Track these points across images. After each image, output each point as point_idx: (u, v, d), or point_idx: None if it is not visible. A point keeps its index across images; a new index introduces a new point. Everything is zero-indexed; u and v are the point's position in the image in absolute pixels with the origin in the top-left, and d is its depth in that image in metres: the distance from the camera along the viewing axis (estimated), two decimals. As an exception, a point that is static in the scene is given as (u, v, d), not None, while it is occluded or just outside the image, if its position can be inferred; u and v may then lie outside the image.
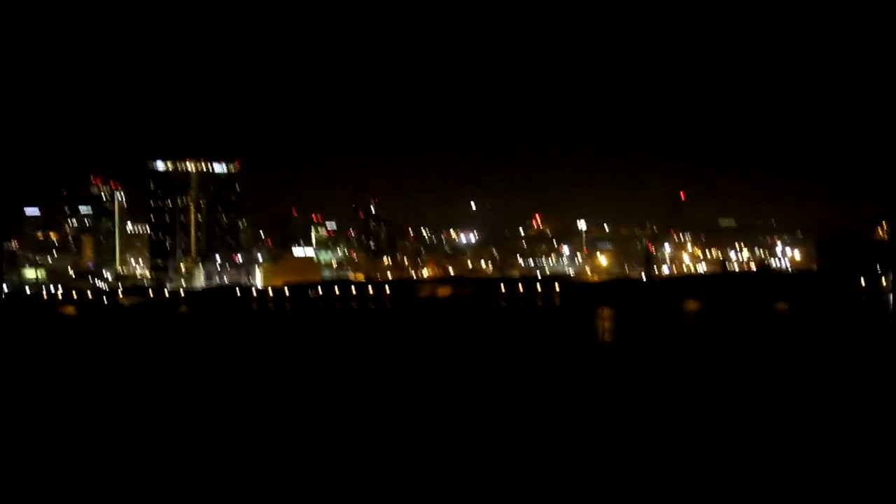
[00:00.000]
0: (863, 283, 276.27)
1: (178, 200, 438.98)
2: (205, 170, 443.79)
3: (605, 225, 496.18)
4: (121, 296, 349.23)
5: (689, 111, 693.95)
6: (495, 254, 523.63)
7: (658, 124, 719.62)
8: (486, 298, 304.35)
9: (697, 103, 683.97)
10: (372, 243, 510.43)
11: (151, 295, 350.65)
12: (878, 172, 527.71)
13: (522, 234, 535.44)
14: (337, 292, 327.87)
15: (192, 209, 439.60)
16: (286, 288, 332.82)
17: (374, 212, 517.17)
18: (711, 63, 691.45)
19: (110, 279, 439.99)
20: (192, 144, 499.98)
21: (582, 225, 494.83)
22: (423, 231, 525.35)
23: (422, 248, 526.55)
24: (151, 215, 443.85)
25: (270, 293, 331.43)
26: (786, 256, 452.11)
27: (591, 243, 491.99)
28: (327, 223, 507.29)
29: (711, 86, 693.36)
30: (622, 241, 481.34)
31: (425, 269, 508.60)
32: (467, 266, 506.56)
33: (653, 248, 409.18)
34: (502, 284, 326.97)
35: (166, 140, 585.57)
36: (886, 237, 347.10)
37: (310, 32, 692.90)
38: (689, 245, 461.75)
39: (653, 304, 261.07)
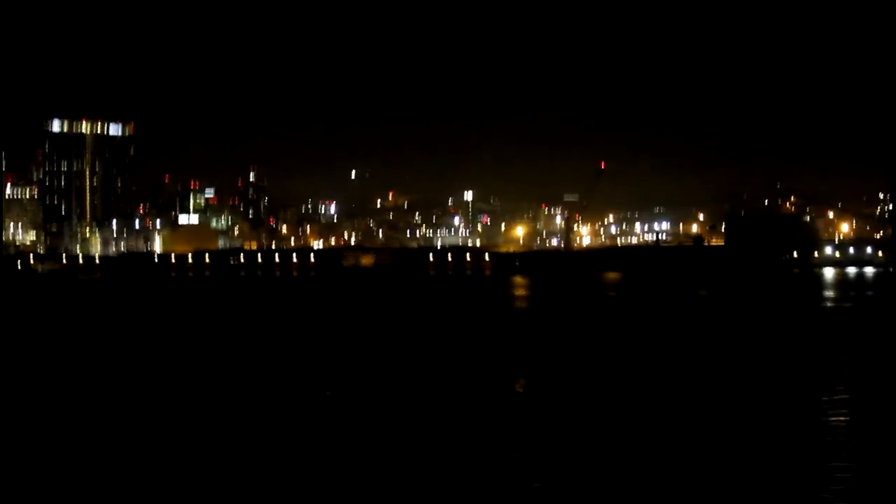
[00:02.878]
0: (794, 256, 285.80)
1: (74, 163, 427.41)
2: (100, 131, 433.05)
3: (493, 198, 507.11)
4: (33, 261, 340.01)
5: (585, 84, 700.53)
6: (371, 224, 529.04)
7: (552, 97, 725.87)
8: (413, 267, 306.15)
9: (592, 75, 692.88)
10: (251, 212, 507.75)
11: (65, 261, 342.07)
12: (781, 145, 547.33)
13: (379, 206, 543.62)
14: (259, 260, 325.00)
15: (88, 172, 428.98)
16: (206, 255, 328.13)
17: (253, 180, 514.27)
18: (609, 32, 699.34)
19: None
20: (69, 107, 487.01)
21: (469, 196, 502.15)
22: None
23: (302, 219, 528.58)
24: (46, 179, 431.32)
25: (190, 260, 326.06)
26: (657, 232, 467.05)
27: (474, 215, 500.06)
28: (206, 191, 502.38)
29: (603, 54, 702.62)
30: (508, 214, 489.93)
31: (310, 238, 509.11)
32: (344, 236, 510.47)
33: (578, 219, 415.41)
34: (430, 254, 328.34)
35: (46, 102, 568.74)
36: (794, 210, 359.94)
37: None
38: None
39: (581, 274, 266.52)
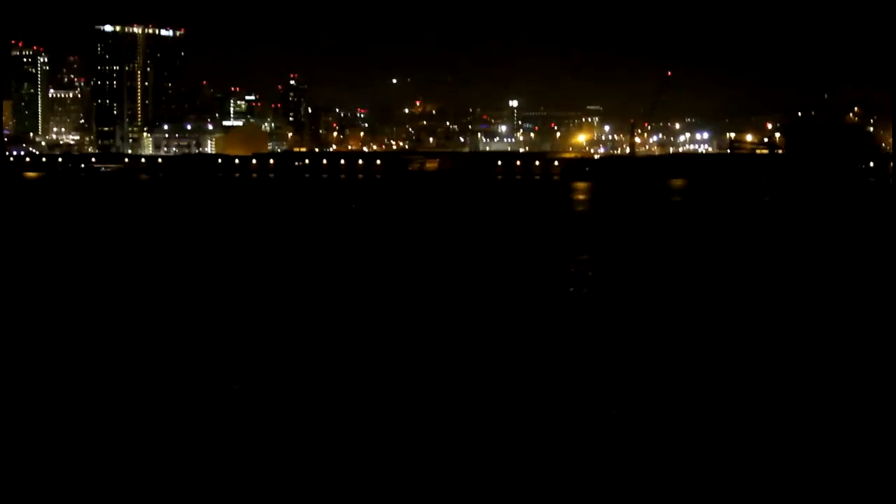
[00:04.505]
0: (871, 165, 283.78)
1: (126, 65, 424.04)
2: (152, 34, 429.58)
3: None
4: (95, 161, 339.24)
5: None
6: (411, 130, 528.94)
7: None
8: (479, 172, 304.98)
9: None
10: (292, 116, 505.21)
11: (127, 161, 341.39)
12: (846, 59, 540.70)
13: (407, 112, 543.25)
14: (325, 163, 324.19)
15: (139, 74, 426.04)
16: (270, 158, 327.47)
17: (294, 86, 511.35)
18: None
19: (44, 145, 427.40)
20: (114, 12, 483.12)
21: (514, 103, 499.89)
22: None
23: (343, 124, 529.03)
24: (98, 80, 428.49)
25: (254, 162, 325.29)
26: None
27: (519, 122, 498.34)
28: (247, 97, 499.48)
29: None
30: (554, 122, 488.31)
31: (350, 143, 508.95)
32: (385, 141, 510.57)
33: (647, 126, 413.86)
34: (498, 159, 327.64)
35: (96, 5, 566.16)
36: (857, 120, 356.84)
37: None
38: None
39: (650, 180, 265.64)
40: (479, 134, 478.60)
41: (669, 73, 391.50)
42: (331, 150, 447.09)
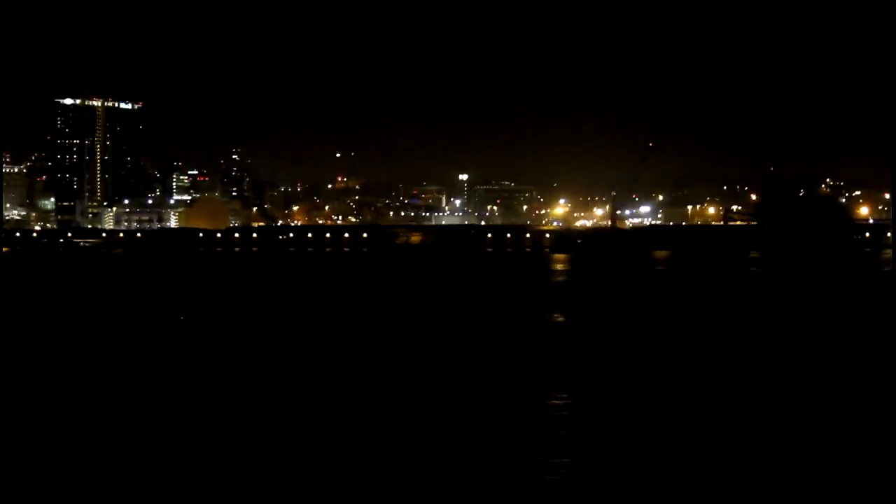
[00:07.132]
0: (867, 235, 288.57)
1: (86, 139, 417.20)
2: (111, 107, 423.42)
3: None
4: (69, 235, 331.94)
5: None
6: (351, 204, 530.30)
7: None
8: (468, 244, 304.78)
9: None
10: (234, 191, 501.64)
11: (104, 235, 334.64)
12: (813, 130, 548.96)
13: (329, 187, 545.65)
14: (309, 236, 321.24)
15: (99, 148, 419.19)
16: (253, 232, 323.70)
17: (236, 160, 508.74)
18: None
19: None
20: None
21: (464, 177, 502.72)
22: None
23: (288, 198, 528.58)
24: (58, 154, 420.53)
25: (237, 235, 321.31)
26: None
27: (470, 196, 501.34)
28: (189, 171, 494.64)
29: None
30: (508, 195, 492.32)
31: (296, 217, 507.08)
32: (333, 216, 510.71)
33: (636, 198, 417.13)
34: (487, 232, 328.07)
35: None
36: (829, 191, 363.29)
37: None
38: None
39: (639, 253, 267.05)
40: (444, 207, 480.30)
41: (651, 143, 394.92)
42: (285, 224, 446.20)
